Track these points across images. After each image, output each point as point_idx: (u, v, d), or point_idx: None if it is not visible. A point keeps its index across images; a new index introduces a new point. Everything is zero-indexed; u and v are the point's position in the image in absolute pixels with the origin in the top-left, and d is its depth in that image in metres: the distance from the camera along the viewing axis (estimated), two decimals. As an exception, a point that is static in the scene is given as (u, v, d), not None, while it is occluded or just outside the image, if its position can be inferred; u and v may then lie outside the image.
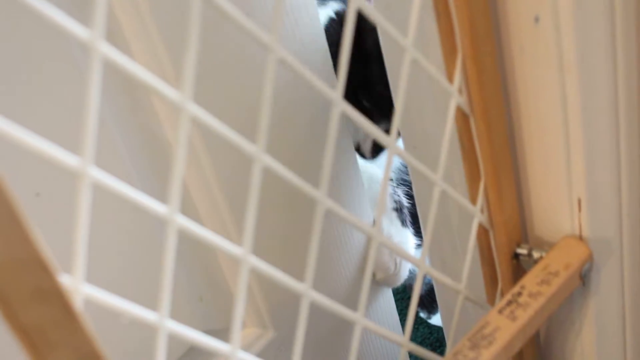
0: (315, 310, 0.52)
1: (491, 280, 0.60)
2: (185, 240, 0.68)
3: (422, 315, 1.34)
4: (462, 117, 0.50)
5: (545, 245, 0.59)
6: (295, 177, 0.39)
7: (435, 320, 1.33)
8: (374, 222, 0.47)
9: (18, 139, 0.28)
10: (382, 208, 0.46)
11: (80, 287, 0.32)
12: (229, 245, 0.38)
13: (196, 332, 0.38)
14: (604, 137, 0.51)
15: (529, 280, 0.53)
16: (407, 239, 1.02)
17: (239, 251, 0.39)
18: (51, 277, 0.29)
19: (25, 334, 0.29)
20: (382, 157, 1.10)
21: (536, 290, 0.53)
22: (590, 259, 0.56)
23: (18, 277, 0.28)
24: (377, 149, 1.08)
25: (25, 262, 0.28)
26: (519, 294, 0.53)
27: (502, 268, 0.58)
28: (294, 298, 0.44)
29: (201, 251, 0.70)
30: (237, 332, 0.40)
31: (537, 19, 0.47)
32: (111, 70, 0.32)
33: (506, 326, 0.51)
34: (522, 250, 0.58)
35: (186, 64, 0.33)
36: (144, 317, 0.35)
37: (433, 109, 0.57)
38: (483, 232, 0.56)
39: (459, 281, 0.56)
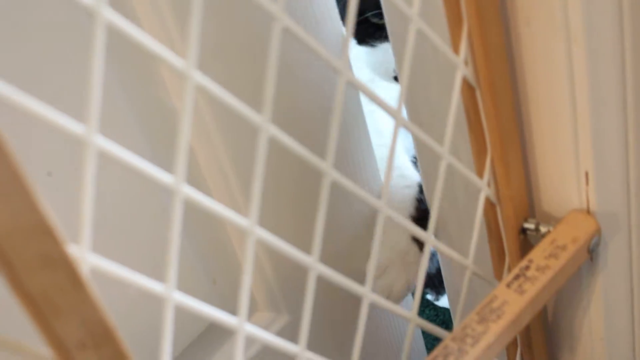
0: (328, 291, 0.52)
1: (498, 255, 0.59)
2: (199, 222, 0.68)
3: (430, 297, 1.34)
4: (468, 90, 0.49)
5: (553, 220, 0.58)
6: (302, 148, 0.39)
7: (443, 302, 1.33)
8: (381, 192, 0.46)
9: (25, 105, 0.28)
10: (388, 177, 0.46)
11: (86, 256, 0.32)
12: (236, 216, 0.38)
13: (204, 305, 0.38)
14: (611, 109, 0.50)
15: (537, 254, 0.53)
16: None
17: (245, 222, 0.39)
18: (57, 245, 0.29)
19: (31, 301, 0.29)
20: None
21: (544, 264, 0.52)
22: (598, 233, 0.56)
23: (24, 243, 0.28)
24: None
25: (31, 229, 0.28)
26: (527, 267, 0.53)
27: (509, 243, 0.58)
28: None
29: (215, 234, 0.70)
30: (245, 306, 0.40)
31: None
32: (118, 38, 0.32)
33: (514, 300, 0.51)
34: (530, 225, 0.58)
35: (191, 30, 0.33)
36: (151, 288, 0.35)
37: (438, 82, 0.57)
38: (490, 207, 0.56)
39: (466, 257, 0.56)
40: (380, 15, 1.00)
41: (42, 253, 0.28)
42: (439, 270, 1.31)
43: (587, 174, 0.54)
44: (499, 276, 0.61)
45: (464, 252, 0.55)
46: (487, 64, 0.47)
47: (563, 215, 0.57)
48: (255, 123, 0.37)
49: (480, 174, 0.54)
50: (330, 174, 0.41)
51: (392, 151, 0.44)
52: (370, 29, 1.02)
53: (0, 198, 0.27)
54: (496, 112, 0.50)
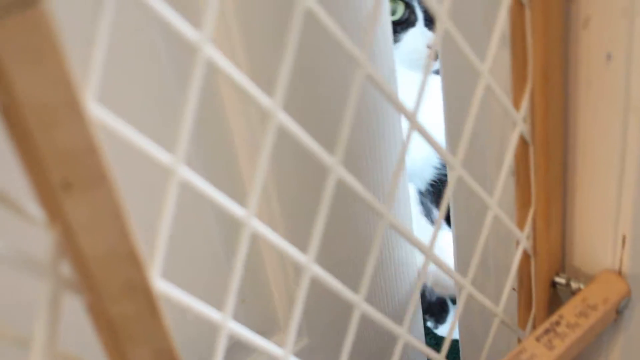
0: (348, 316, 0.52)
1: (525, 305, 0.60)
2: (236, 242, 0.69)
3: (430, 324, 1.35)
4: (522, 145, 0.50)
5: (582, 276, 0.59)
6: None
7: (442, 330, 1.34)
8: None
9: (125, 135, 0.29)
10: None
11: (157, 283, 0.32)
12: (296, 252, 0.39)
13: (255, 335, 0.38)
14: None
15: (568, 311, 0.54)
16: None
17: (303, 259, 0.39)
18: (141, 272, 0.30)
19: (110, 327, 0.29)
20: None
21: (574, 321, 0.53)
22: (628, 295, 0.56)
23: (113, 271, 0.29)
24: None
25: (122, 257, 0.29)
26: (557, 323, 0.53)
27: (538, 295, 0.58)
28: (331, 305, 0.44)
29: (249, 253, 0.71)
30: (292, 340, 0.41)
31: (609, 57, 0.47)
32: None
33: (543, 354, 0.51)
34: (561, 280, 0.58)
35: (281, 72, 0.34)
36: (210, 316, 0.36)
37: (488, 131, 0.57)
38: (525, 258, 0.56)
39: (493, 303, 0.56)
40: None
41: (128, 280, 0.29)
42: (438, 299, 1.31)
43: (624, 238, 0.55)
44: (522, 325, 0.62)
45: (487, 296, 0.56)
46: (544, 123, 0.48)
47: (593, 272, 0.58)
48: (326, 163, 0.38)
49: (521, 225, 0.54)
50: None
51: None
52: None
53: (99, 227, 0.27)
54: (547, 168, 0.50)
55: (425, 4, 0.39)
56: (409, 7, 1.07)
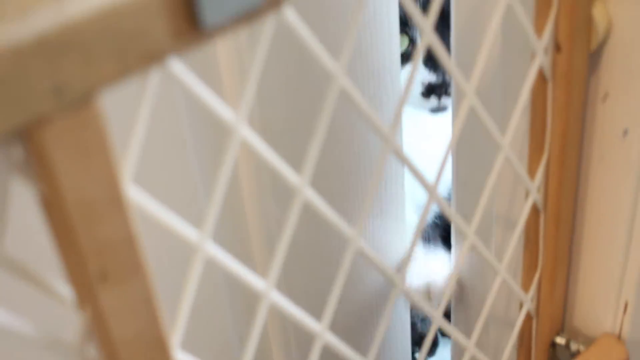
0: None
1: (524, 363, 0.60)
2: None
3: (417, 356, 1.35)
4: (534, 213, 0.50)
5: (581, 337, 0.59)
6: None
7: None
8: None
9: (153, 213, 0.29)
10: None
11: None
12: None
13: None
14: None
15: (568, 375, 0.54)
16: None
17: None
18: (166, 354, 0.29)
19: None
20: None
21: (574, 386, 0.54)
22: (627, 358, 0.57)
23: (139, 354, 0.28)
24: None
25: (149, 340, 0.28)
26: (557, 387, 0.54)
27: (537, 355, 0.59)
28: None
29: (246, 292, 0.71)
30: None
31: (625, 132, 0.47)
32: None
33: (542, 419, 0.52)
34: (560, 341, 0.59)
35: (309, 155, 0.33)
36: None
37: (499, 193, 0.58)
38: (527, 319, 0.57)
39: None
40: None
41: (153, 363, 0.29)
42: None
43: (626, 304, 0.55)
44: (519, 382, 0.62)
45: (486, 353, 0.56)
46: (558, 193, 0.49)
47: (593, 335, 0.58)
48: (346, 235, 0.38)
49: (526, 287, 0.55)
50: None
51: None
52: None
53: (130, 313, 0.27)
54: (556, 236, 0.51)
55: (454, 78, 0.39)
56: (412, 42, 1.07)
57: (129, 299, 0.27)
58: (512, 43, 0.49)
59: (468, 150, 0.61)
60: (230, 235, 0.66)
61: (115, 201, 0.25)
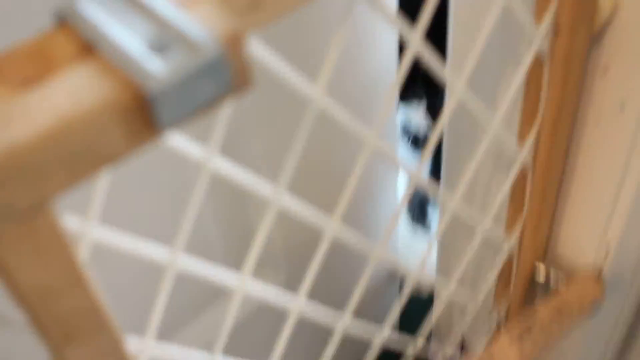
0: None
1: (504, 287, 0.63)
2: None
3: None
4: (521, 174, 0.50)
5: (563, 270, 0.61)
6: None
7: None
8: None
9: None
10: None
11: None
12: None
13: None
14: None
15: (543, 316, 0.56)
16: None
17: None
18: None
19: None
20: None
21: (548, 328, 0.56)
22: (602, 298, 0.59)
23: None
24: None
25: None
26: (530, 329, 0.56)
27: (516, 285, 0.61)
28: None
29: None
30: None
31: (622, 106, 0.46)
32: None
33: (515, 357, 0.54)
34: (540, 279, 0.60)
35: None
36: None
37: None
38: (508, 260, 0.58)
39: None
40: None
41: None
42: (420, 201, 1.35)
43: (608, 248, 0.56)
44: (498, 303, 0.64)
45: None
46: (547, 155, 0.48)
47: (573, 269, 0.60)
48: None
49: (510, 228, 0.56)
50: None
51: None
52: None
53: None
54: (543, 196, 0.51)
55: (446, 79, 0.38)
56: None
57: (95, 355, 0.28)
58: (511, 28, 0.47)
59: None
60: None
61: (74, 282, 0.25)
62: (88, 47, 0.22)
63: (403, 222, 1.13)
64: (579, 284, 0.59)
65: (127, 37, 0.21)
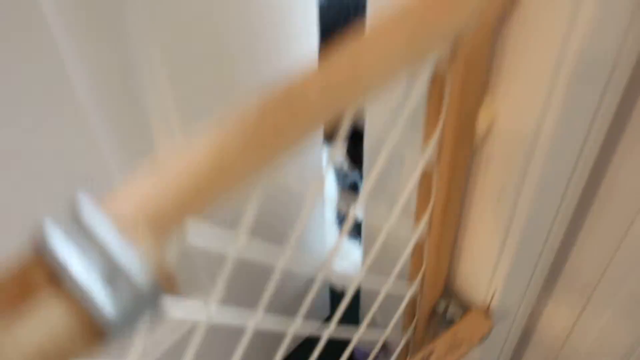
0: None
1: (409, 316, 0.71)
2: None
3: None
4: (420, 241, 0.58)
5: (458, 305, 0.70)
6: None
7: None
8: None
9: None
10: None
11: None
12: None
13: None
14: (534, 250, 0.61)
15: (440, 347, 0.66)
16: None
17: None
18: None
19: None
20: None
21: (443, 359, 0.65)
22: (490, 330, 0.68)
23: None
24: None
25: None
26: (428, 358, 0.65)
27: (420, 319, 0.69)
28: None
29: None
30: None
31: (499, 199, 0.54)
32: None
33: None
34: (440, 309, 0.69)
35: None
36: None
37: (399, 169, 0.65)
38: (411, 302, 0.67)
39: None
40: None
41: None
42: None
43: (496, 287, 0.65)
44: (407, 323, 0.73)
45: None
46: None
47: (469, 302, 0.69)
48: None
49: (413, 277, 0.64)
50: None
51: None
52: None
53: None
54: (443, 221, 0.59)
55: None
56: None
57: None
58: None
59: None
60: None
61: None
62: (55, 278, 0.28)
63: (334, 229, 1.20)
64: (472, 318, 0.68)
65: (84, 272, 0.28)
